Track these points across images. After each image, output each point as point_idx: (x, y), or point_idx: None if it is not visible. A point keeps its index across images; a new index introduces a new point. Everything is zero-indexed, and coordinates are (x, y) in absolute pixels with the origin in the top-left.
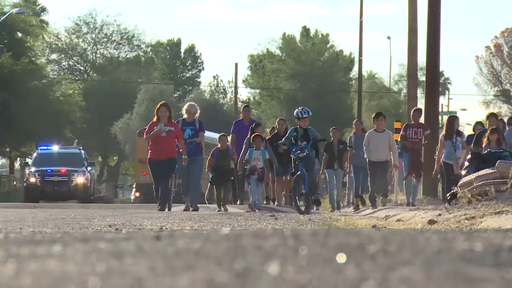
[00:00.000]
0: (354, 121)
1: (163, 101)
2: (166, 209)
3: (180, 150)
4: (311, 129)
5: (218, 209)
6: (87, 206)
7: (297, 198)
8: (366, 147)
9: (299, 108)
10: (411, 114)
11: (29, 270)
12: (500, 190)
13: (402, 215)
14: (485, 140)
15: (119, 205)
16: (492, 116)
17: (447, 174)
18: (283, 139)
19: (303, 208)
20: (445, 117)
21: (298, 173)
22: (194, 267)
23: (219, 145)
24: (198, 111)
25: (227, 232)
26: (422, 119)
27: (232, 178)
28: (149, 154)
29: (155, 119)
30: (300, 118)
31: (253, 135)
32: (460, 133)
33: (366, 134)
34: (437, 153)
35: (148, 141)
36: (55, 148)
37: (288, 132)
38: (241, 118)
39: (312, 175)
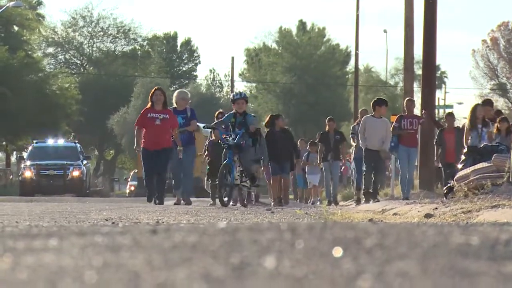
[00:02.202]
0: (361, 109)
1: (158, 86)
2: (157, 202)
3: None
4: (250, 116)
5: (212, 202)
6: (83, 200)
7: (220, 189)
8: (361, 133)
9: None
10: (405, 104)
11: (25, 264)
12: (496, 184)
13: (398, 209)
14: (494, 130)
15: (115, 199)
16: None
17: None
18: (217, 121)
19: (225, 200)
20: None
21: (225, 162)
22: (190, 261)
23: (213, 137)
24: (189, 96)
25: (224, 226)
26: (417, 111)
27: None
28: (142, 143)
29: (149, 105)
30: (234, 101)
31: None
32: (486, 123)
33: (362, 119)
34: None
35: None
36: (50, 141)
37: (226, 116)
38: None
39: (247, 165)
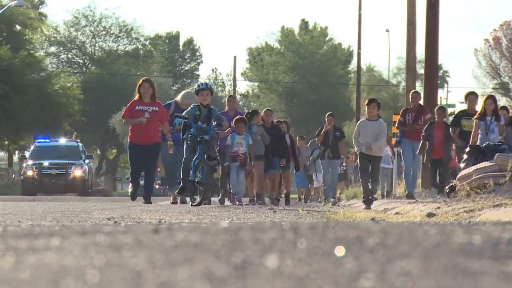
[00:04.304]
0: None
1: (146, 77)
2: (144, 202)
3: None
4: (215, 110)
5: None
6: (85, 199)
7: (195, 186)
8: (355, 139)
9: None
10: (410, 96)
11: (27, 263)
12: (498, 183)
13: (400, 208)
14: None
15: (118, 198)
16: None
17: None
18: (184, 112)
19: (198, 199)
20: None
21: (197, 157)
22: (192, 260)
23: None
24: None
25: (226, 225)
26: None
27: (216, 167)
28: (129, 137)
29: (136, 97)
30: (198, 91)
31: (235, 118)
32: (498, 116)
33: (357, 123)
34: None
35: (127, 124)
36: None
37: (190, 108)
38: (226, 110)
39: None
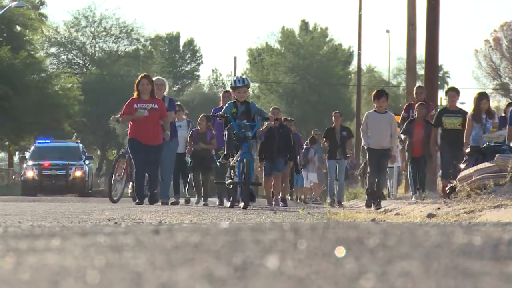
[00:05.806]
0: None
1: (144, 73)
2: (150, 203)
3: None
4: (254, 104)
5: (203, 201)
6: (85, 200)
7: (236, 187)
8: (363, 132)
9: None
10: (414, 91)
11: (28, 264)
12: (499, 184)
13: (401, 209)
14: None
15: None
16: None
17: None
18: (222, 111)
19: (241, 203)
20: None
21: (242, 155)
22: (193, 261)
23: (198, 128)
24: (167, 86)
25: (226, 226)
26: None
27: (212, 165)
28: (128, 134)
29: (135, 94)
30: (235, 88)
31: None
32: (492, 114)
33: (364, 116)
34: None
35: (127, 122)
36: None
37: (226, 106)
38: (220, 106)
39: (253, 162)
